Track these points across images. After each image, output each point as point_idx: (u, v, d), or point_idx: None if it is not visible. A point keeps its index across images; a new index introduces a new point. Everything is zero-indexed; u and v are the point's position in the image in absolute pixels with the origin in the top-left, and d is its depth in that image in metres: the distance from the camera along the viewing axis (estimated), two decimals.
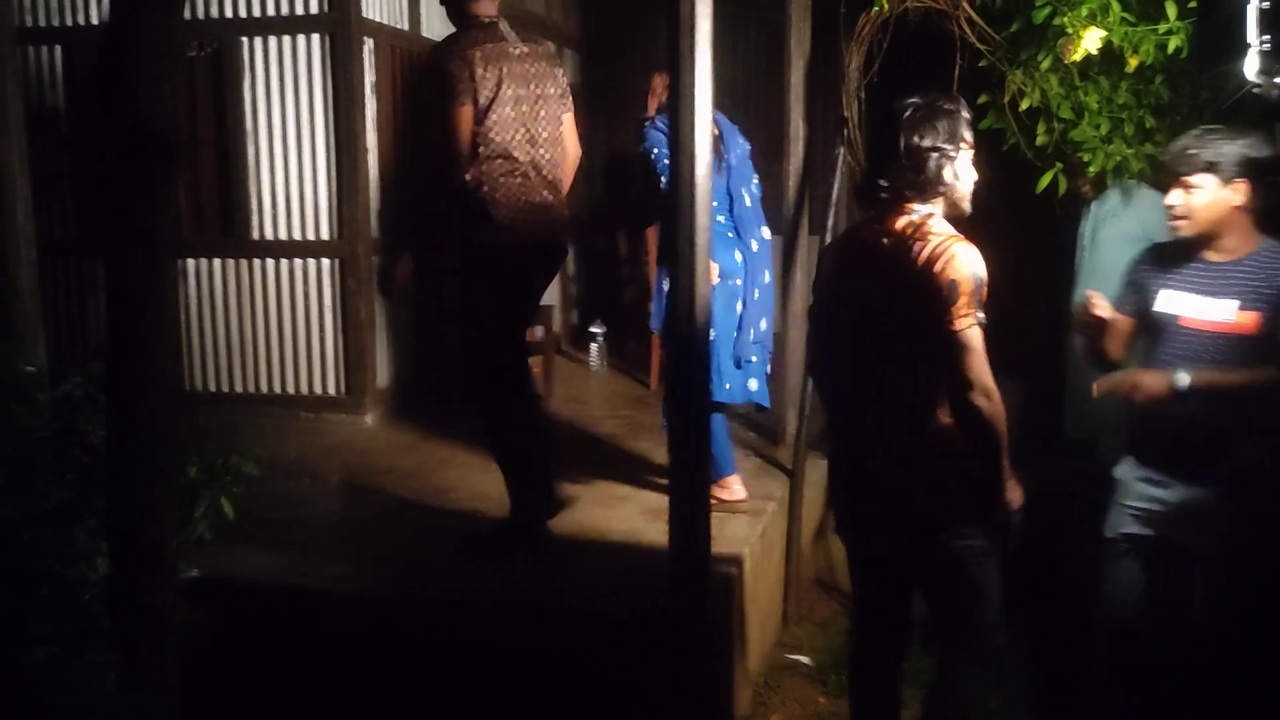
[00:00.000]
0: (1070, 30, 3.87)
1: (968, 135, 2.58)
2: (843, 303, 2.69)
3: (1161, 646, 3.07)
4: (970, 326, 2.44)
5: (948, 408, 2.52)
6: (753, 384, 4.11)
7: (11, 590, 1.94)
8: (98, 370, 2.84)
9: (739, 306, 4.07)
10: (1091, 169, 4.22)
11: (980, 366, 2.44)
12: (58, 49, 5.66)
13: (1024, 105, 4.24)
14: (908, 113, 2.55)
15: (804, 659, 3.93)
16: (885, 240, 2.57)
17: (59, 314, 5.73)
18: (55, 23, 5.63)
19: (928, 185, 2.54)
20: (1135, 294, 3.04)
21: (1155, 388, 2.84)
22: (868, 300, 2.60)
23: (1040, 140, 4.30)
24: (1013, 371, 3.75)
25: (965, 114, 2.59)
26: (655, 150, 4.21)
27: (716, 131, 4.17)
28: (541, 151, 3.60)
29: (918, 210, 2.56)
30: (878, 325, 2.58)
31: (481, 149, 3.48)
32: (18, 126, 3.29)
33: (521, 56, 3.58)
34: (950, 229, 2.54)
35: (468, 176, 3.48)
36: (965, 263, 2.44)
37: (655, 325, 4.31)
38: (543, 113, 3.61)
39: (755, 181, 4.28)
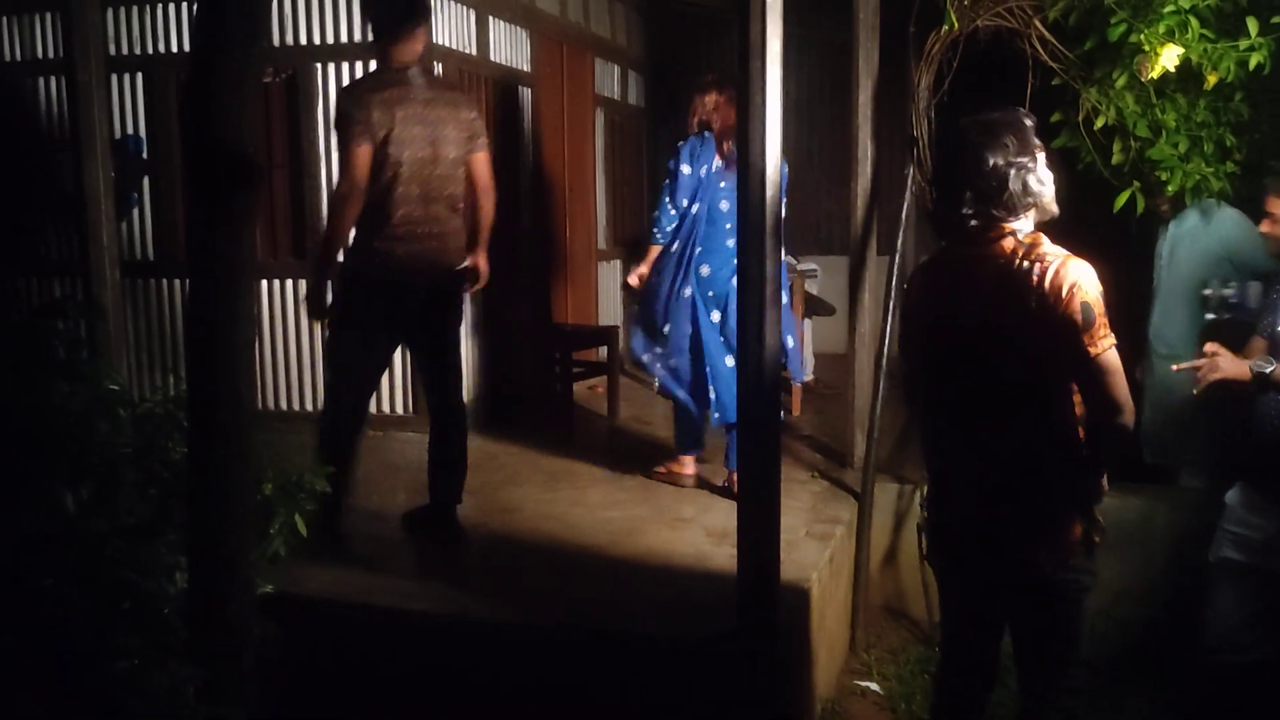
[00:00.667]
0: (1147, 47, 3.80)
1: (1036, 140, 2.52)
2: (945, 329, 2.59)
3: (1266, 671, 3.03)
4: (1110, 347, 2.40)
5: (1059, 433, 2.47)
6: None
7: (97, 602, 1.98)
8: (176, 388, 2.91)
9: None
10: (1170, 188, 4.14)
11: (1124, 387, 2.42)
12: (139, 76, 5.81)
13: (1099, 123, 4.18)
14: (973, 134, 2.49)
15: (873, 686, 3.87)
16: (993, 263, 2.47)
17: (137, 333, 5.86)
18: (136, 50, 5.79)
19: (1016, 202, 2.46)
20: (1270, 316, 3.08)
21: (1234, 371, 2.83)
22: (977, 326, 2.52)
23: (1116, 159, 4.23)
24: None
25: (1028, 120, 2.52)
26: (678, 166, 4.43)
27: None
28: (435, 190, 3.84)
29: (1018, 229, 2.49)
30: (988, 351, 2.50)
31: (373, 185, 3.69)
32: (103, 152, 3.38)
33: (425, 101, 3.79)
34: (1061, 249, 2.47)
35: (358, 209, 3.70)
36: (1091, 283, 2.40)
37: (638, 354, 4.64)
38: (442, 153, 3.84)
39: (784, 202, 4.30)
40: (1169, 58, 3.79)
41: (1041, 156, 2.52)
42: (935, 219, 2.67)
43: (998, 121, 2.50)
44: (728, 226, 4.32)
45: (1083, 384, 2.43)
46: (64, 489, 2.14)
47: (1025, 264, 2.42)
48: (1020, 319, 2.42)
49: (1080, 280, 2.39)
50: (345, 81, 5.46)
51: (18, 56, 6.02)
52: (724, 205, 4.38)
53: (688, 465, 4.72)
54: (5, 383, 2.08)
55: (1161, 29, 3.80)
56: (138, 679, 1.96)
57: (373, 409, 5.59)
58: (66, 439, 2.17)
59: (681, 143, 4.48)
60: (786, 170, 4.24)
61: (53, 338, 2.29)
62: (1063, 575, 2.51)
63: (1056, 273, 2.39)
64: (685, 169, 4.40)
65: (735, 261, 3.92)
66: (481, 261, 4.06)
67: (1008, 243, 2.47)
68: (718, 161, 4.40)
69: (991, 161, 2.45)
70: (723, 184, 4.37)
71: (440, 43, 5.51)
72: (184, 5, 5.68)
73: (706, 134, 4.42)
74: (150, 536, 2.24)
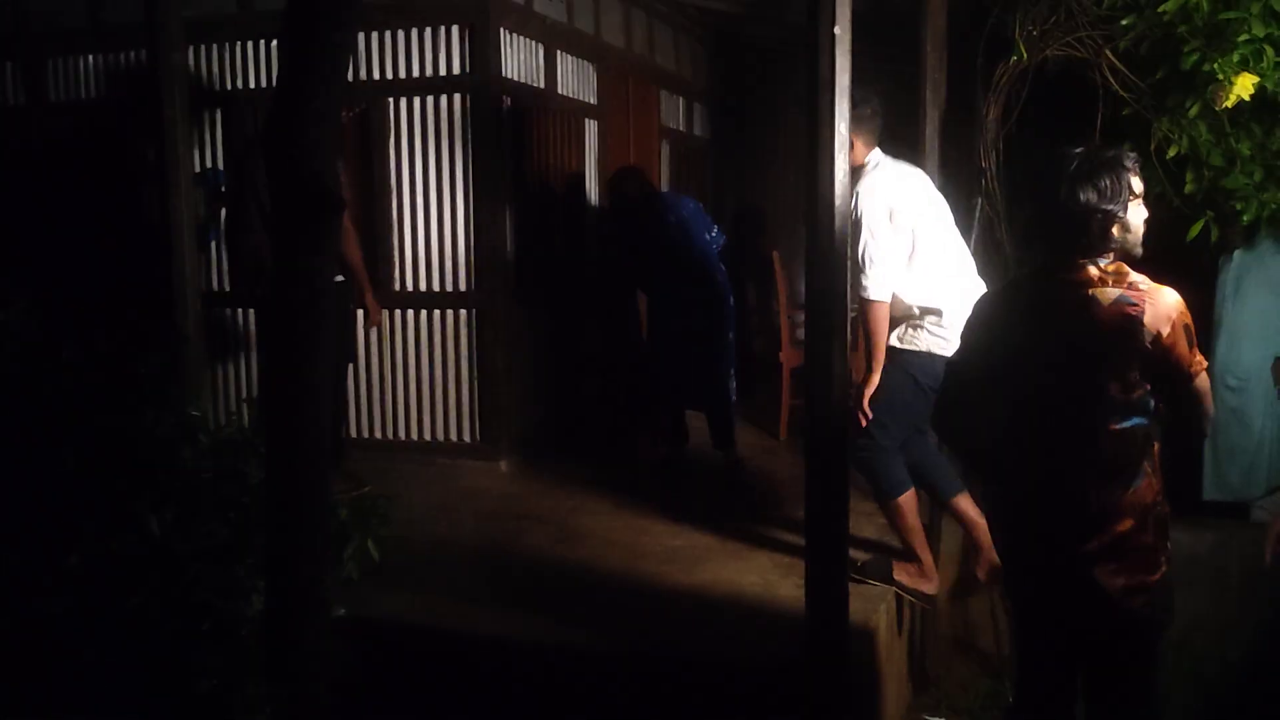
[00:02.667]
0: (1221, 76, 3.75)
1: (1136, 185, 2.47)
2: (1022, 360, 2.54)
3: None
4: (1204, 369, 2.45)
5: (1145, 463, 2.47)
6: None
7: (181, 622, 2.04)
8: (254, 415, 2.99)
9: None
10: (1245, 217, 4.08)
11: (1211, 408, 2.51)
12: (218, 112, 5.99)
13: (1171, 153, 4.13)
14: (1070, 168, 2.43)
15: None
16: (1076, 293, 2.44)
17: (213, 362, 6.00)
18: (215, 88, 5.97)
19: (1092, 246, 2.44)
20: None
21: None
22: (1063, 354, 2.48)
23: (1189, 189, 4.18)
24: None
25: (1129, 163, 2.46)
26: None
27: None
28: None
29: (1101, 259, 2.46)
30: (1074, 379, 2.47)
31: None
32: (186, 185, 3.49)
33: None
34: (1145, 279, 2.46)
35: None
36: (1184, 306, 2.41)
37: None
38: None
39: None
40: (1244, 86, 3.74)
41: (1135, 203, 2.47)
42: (1023, 245, 2.65)
43: (1099, 160, 2.45)
44: None
45: (1179, 405, 2.47)
46: (150, 512, 2.21)
47: (1116, 292, 2.41)
48: (1121, 346, 2.39)
49: (1179, 305, 2.41)
50: (415, 115, 5.58)
51: (105, 93, 6.23)
52: None
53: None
54: (98, 410, 2.16)
55: (1236, 58, 3.76)
56: (218, 698, 2.02)
57: (441, 436, 5.68)
58: (153, 464, 2.24)
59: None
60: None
61: (140, 366, 2.37)
62: (1146, 610, 2.46)
63: (1155, 301, 2.39)
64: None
65: None
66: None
67: (1091, 271, 2.45)
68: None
69: (1081, 200, 2.41)
70: None
71: (509, 76, 5.61)
72: (260, 44, 5.84)
73: None
74: (230, 559, 2.31)
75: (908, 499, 3.82)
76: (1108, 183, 2.42)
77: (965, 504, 3.88)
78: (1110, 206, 2.42)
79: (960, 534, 4.38)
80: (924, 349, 3.72)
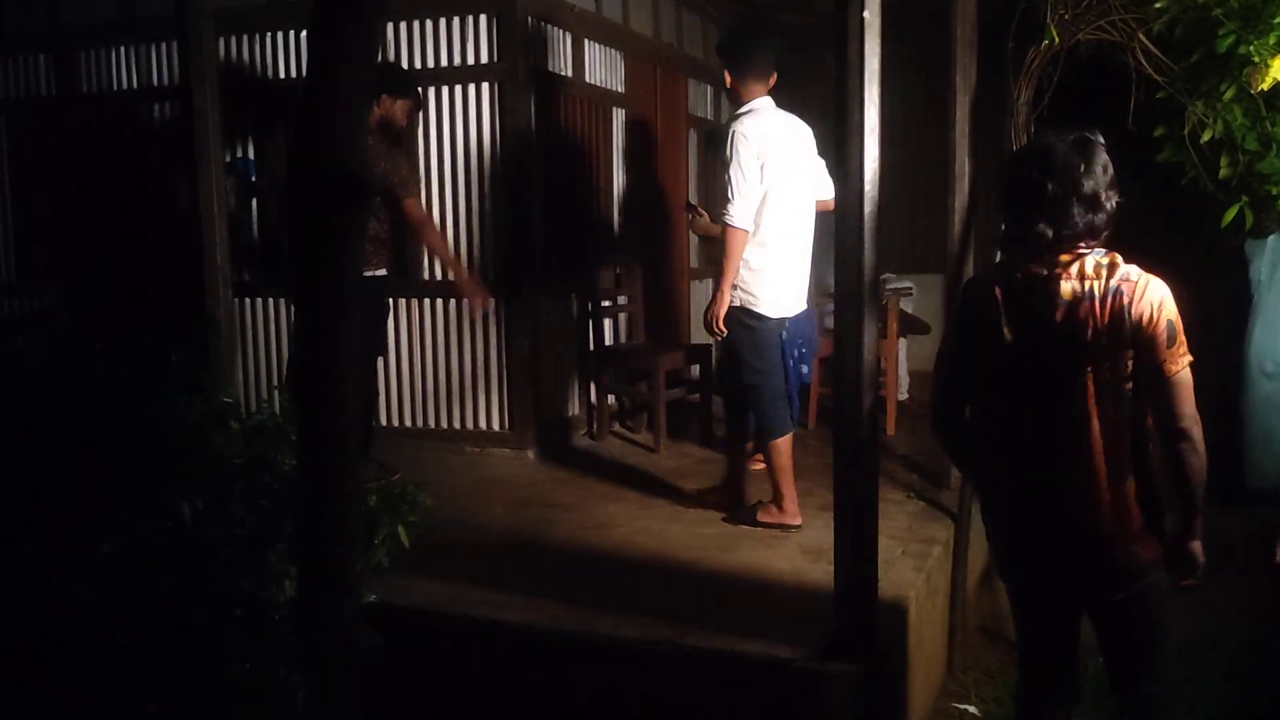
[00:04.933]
0: (1257, 59, 3.71)
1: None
2: (1020, 344, 2.55)
3: None
4: (1187, 365, 2.43)
5: (1133, 447, 2.48)
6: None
7: (212, 608, 2.05)
8: (285, 402, 3.00)
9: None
10: None
11: (1193, 403, 2.44)
12: (248, 102, 6.01)
13: (1205, 137, 4.08)
14: (1069, 153, 2.45)
15: (971, 709, 3.80)
16: (1071, 282, 2.46)
17: (243, 349, 6.05)
18: (245, 78, 5.99)
19: (1104, 228, 2.47)
20: None
21: None
22: (1060, 342, 2.49)
23: (1224, 173, 4.12)
24: None
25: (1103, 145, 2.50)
26: None
27: None
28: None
29: (1094, 250, 2.47)
30: (1067, 367, 2.48)
31: None
32: (217, 175, 3.51)
33: None
34: (1138, 268, 2.47)
35: None
36: (1171, 301, 2.43)
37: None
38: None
39: None
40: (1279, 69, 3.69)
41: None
42: (1009, 235, 2.59)
43: (1092, 145, 2.47)
44: None
45: (1157, 400, 2.45)
46: (181, 499, 2.23)
47: (1110, 283, 2.43)
48: (1111, 336, 2.43)
49: (1165, 298, 2.43)
50: (445, 104, 5.59)
51: (135, 84, 6.28)
52: None
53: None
54: (130, 398, 2.18)
55: (1272, 40, 3.71)
56: (250, 684, 2.03)
57: (469, 425, 5.70)
58: (184, 451, 2.26)
59: None
60: None
61: (172, 354, 2.39)
62: (1144, 581, 2.53)
63: (1143, 292, 2.42)
64: None
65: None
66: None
67: (1087, 262, 2.46)
68: None
69: (1093, 185, 2.44)
70: None
71: (537, 65, 5.61)
72: (290, 35, 5.87)
73: None
74: (261, 546, 2.32)
75: (786, 441, 4.25)
76: (1104, 166, 2.46)
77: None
78: (1111, 190, 2.46)
79: None
80: (737, 303, 4.18)
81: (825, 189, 4.28)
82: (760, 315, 4.19)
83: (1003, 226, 2.62)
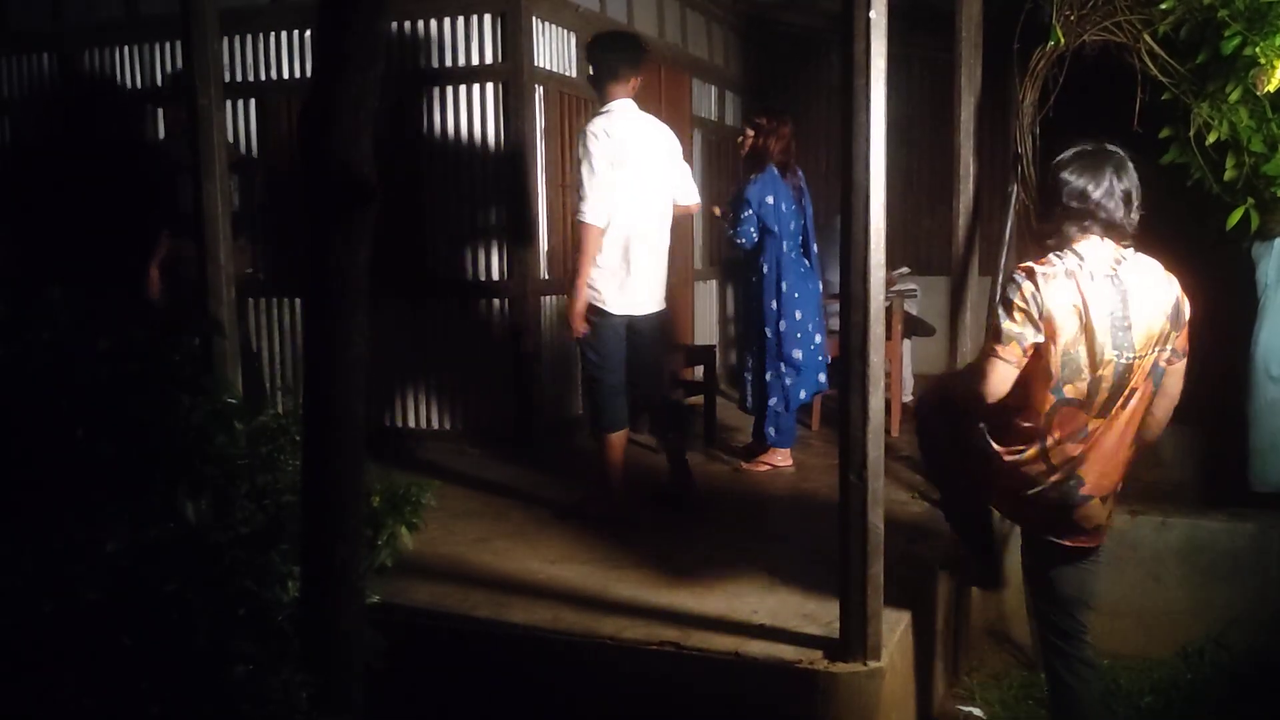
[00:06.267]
0: (1263, 60, 3.70)
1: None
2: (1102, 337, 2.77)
3: None
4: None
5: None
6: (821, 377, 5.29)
7: (216, 609, 2.05)
8: (288, 402, 3.00)
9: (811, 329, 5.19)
10: None
11: None
12: (252, 101, 6.03)
13: (1211, 139, 4.07)
14: (1108, 160, 2.73)
15: (976, 711, 3.80)
16: (1109, 272, 2.72)
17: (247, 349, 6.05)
18: (250, 78, 6.00)
19: (1125, 229, 2.74)
20: None
21: None
22: (1133, 333, 2.73)
23: (1229, 175, 4.12)
24: (1189, 420, 3.62)
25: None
26: (757, 201, 5.05)
27: (800, 184, 5.24)
28: None
29: (1118, 245, 2.75)
30: (1138, 355, 2.75)
31: None
32: (221, 174, 3.51)
33: None
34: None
35: None
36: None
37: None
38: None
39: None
40: None
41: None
42: (1040, 228, 2.88)
43: (1121, 157, 2.76)
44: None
45: (1175, 381, 2.82)
46: (185, 499, 2.22)
47: (1145, 274, 2.73)
48: (1171, 329, 2.76)
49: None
50: (449, 104, 5.59)
51: (139, 84, 6.28)
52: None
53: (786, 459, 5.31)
54: (133, 397, 2.17)
55: (1278, 41, 3.70)
56: (253, 684, 2.02)
57: (473, 424, 5.70)
58: (188, 451, 2.25)
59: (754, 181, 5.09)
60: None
61: (175, 353, 2.38)
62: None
63: (1169, 281, 2.77)
64: (763, 204, 5.08)
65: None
66: None
67: (1142, 259, 2.77)
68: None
69: (1123, 187, 2.72)
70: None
71: (542, 65, 5.61)
72: (294, 34, 5.87)
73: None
74: (265, 546, 2.31)
75: (619, 437, 4.41)
76: (1125, 173, 2.74)
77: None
78: (1136, 200, 2.74)
79: (995, 525, 4.35)
80: (589, 300, 4.29)
81: (686, 194, 4.53)
82: (602, 311, 4.30)
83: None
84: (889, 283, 5.76)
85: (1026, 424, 2.79)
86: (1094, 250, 2.70)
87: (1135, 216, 2.72)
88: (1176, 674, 4.11)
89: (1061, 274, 2.69)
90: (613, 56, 4.36)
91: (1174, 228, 4.83)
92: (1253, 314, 4.37)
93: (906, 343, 6.65)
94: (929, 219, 7.94)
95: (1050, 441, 2.77)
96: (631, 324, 4.39)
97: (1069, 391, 2.72)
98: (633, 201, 4.26)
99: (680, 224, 7.09)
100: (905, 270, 6.76)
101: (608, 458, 4.40)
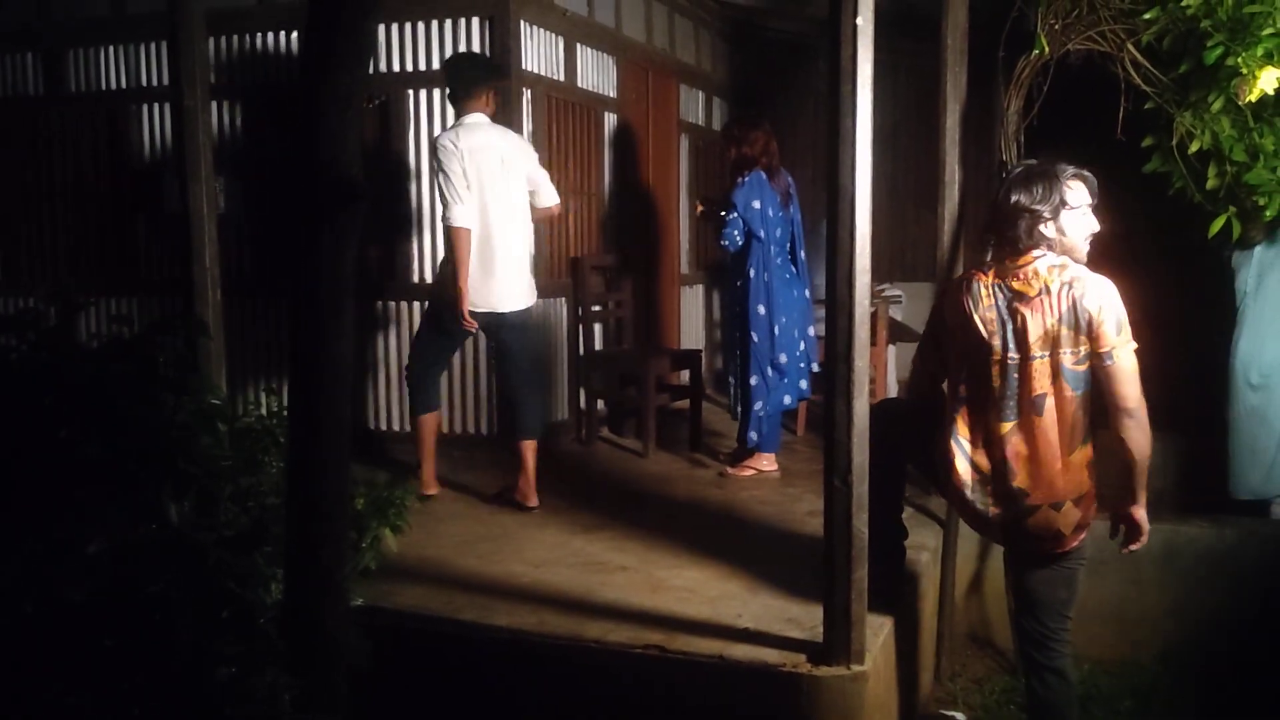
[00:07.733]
0: (1245, 70, 3.73)
1: (1070, 197, 2.90)
2: (986, 336, 2.98)
3: None
4: (1133, 350, 2.85)
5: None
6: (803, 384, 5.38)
7: (200, 610, 2.04)
8: (273, 405, 3.00)
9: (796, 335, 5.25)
10: (1268, 213, 4.04)
11: (1138, 386, 2.86)
12: (238, 104, 6.01)
13: (1193, 148, 4.10)
14: (1013, 174, 2.95)
15: (959, 715, 3.81)
16: (1027, 282, 2.90)
17: (230, 351, 6.02)
18: (236, 79, 5.98)
19: (1020, 241, 2.90)
20: None
21: None
22: (1026, 335, 2.91)
23: (1211, 184, 4.14)
24: (1169, 427, 3.65)
25: (1068, 178, 2.91)
26: (743, 205, 5.10)
27: (789, 188, 5.32)
28: None
29: (1047, 256, 2.90)
30: (1030, 356, 2.91)
31: None
32: (207, 174, 3.50)
33: None
34: (1086, 270, 2.91)
35: None
36: (1110, 294, 2.85)
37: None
38: None
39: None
40: (1268, 80, 3.71)
41: (1073, 211, 2.91)
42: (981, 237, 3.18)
43: (1036, 170, 2.93)
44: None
45: (1108, 384, 2.87)
46: (169, 500, 2.21)
47: (1058, 282, 2.86)
48: (1064, 329, 2.86)
49: (1104, 291, 2.85)
50: (436, 107, 5.58)
51: (125, 85, 6.26)
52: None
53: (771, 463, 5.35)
54: (118, 397, 2.17)
55: (1260, 51, 3.73)
56: (237, 686, 2.02)
57: (459, 428, 5.69)
58: (172, 452, 2.25)
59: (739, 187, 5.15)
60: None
61: (160, 354, 2.38)
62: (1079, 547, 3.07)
63: (1086, 286, 2.85)
64: (749, 210, 5.13)
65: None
66: None
67: (1042, 265, 2.90)
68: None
69: (1012, 199, 2.90)
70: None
71: (529, 69, 5.61)
72: (281, 35, 5.86)
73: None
74: (249, 548, 2.31)
75: (428, 419, 4.89)
76: (1040, 188, 2.89)
77: (528, 449, 4.73)
78: (1038, 207, 2.88)
79: (978, 539, 4.37)
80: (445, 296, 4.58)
81: (545, 197, 4.79)
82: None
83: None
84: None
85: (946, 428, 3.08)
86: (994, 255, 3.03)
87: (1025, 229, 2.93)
88: (1156, 678, 4.14)
89: (964, 279, 3.04)
90: (468, 75, 4.65)
91: (1155, 236, 4.88)
92: (1232, 322, 4.40)
93: (891, 348, 6.68)
94: (914, 225, 7.97)
95: (969, 449, 3.04)
96: (499, 321, 4.65)
97: (963, 390, 3.03)
98: (488, 205, 4.53)
99: (667, 224, 7.12)
100: (889, 288, 6.80)
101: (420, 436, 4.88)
